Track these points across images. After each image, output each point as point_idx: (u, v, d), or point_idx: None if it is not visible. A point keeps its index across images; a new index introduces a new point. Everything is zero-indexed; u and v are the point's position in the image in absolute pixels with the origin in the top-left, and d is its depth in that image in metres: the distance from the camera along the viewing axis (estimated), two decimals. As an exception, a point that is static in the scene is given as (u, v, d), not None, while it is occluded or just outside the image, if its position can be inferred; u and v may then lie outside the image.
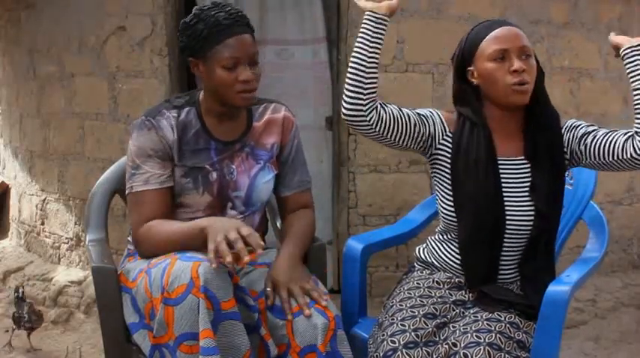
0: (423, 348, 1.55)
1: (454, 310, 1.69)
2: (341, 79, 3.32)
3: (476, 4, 3.35)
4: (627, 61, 1.71)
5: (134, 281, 1.70)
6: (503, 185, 1.72)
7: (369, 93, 1.69)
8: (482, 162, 1.70)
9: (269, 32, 3.53)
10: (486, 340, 1.50)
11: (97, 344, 3.06)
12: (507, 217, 1.69)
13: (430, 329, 1.60)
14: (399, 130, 1.73)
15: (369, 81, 1.69)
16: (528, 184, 1.71)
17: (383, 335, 1.61)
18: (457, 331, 1.57)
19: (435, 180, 1.82)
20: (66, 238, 3.90)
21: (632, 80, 1.70)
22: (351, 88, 1.70)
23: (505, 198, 1.70)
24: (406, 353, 1.53)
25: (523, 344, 1.57)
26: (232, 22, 1.70)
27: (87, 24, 3.65)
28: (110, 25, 3.55)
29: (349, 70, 1.72)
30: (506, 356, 1.50)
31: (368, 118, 1.69)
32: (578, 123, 1.78)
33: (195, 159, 1.79)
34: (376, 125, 1.70)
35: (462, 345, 1.50)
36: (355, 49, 1.72)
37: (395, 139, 1.73)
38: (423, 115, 1.77)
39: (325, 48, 3.47)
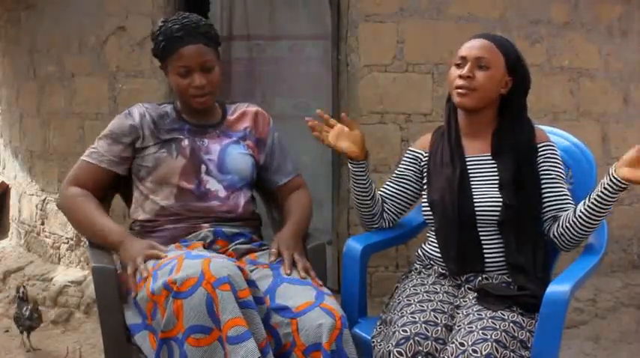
0: (433, 343, 1.58)
1: (458, 313, 1.72)
2: (341, 78, 3.33)
3: (476, 4, 3.35)
4: (613, 190, 1.67)
5: (140, 283, 1.70)
6: (471, 177, 1.86)
7: (378, 217, 2.03)
8: (448, 159, 1.89)
9: (280, 28, 3.57)
10: (493, 337, 1.53)
11: (97, 344, 3.06)
12: (476, 205, 1.80)
13: (440, 325, 1.63)
14: (405, 206, 2.05)
15: (374, 208, 2.00)
16: (496, 177, 1.84)
17: (394, 327, 1.64)
18: (462, 330, 1.59)
19: (422, 189, 1.99)
20: (66, 238, 3.90)
21: (599, 202, 1.70)
22: (365, 219, 2.03)
23: (473, 189, 1.83)
24: (418, 341, 1.57)
25: (525, 344, 1.59)
26: (184, 34, 1.90)
27: (87, 24, 3.66)
28: (110, 25, 3.55)
29: (356, 204, 2.03)
30: (511, 354, 1.53)
31: (380, 226, 2.07)
32: (549, 161, 1.85)
33: (170, 135, 1.97)
34: (389, 224, 2.07)
35: (470, 343, 1.52)
36: (352, 190, 2.01)
37: (409, 208, 2.07)
38: (405, 169, 2.02)
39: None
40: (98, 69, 3.63)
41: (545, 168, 1.84)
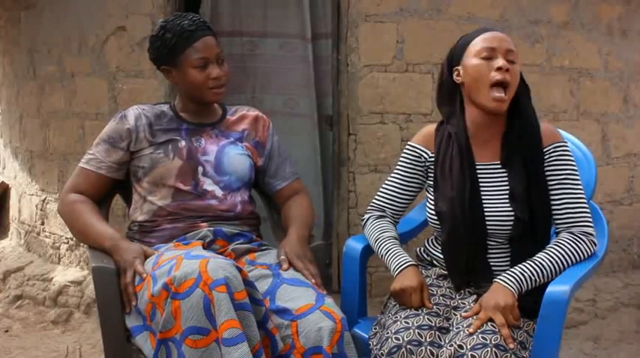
0: (428, 347, 1.56)
1: (455, 314, 1.70)
2: (341, 78, 3.33)
3: (476, 4, 3.35)
4: None
5: (139, 285, 1.71)
6: (482, 188, 1.76)
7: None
8: (458, 166, 1.76)
9: (272, 26, 3.59)
10: (492, 341, 1.51)
11: (97, 344, 3.07)
12: (487, 219, 1.72)
13: (434, 328, 1.61)
14: (408, 203, 1.95)
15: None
16: (507, 188, 1.74)
17: (387, 333, 1.62)
18: (461, 332, 1.58)
19: (426, 190, 1.91)
20: (66, 238, 3.90)
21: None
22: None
23: (484, 201, 1.74)
24: (410, 349, 1.55)
25: (524, 345, 1.59)
26: (196, 27, 1.92)
27: (87, 24, 3.66)
28: (110, 25, 3.55)
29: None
30: (512, 357, 1.51)
31: None
32: (558, 162, 1.73)
33: (166, 136, 1.96)
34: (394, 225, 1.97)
35: (469, 347, 1.51)
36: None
37: (410, 204, 1.97)
38: (408, 166, 1.90)
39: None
40: (98, 69, 3.63)
41: (554, 170, 1.73)
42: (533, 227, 1.72)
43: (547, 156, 1.74)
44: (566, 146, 1.76)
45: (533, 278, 1.63)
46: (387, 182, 1.96)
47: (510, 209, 1.71)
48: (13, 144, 4.57)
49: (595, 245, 1.71)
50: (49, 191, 4.03)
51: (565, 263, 1.66)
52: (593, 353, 3.02)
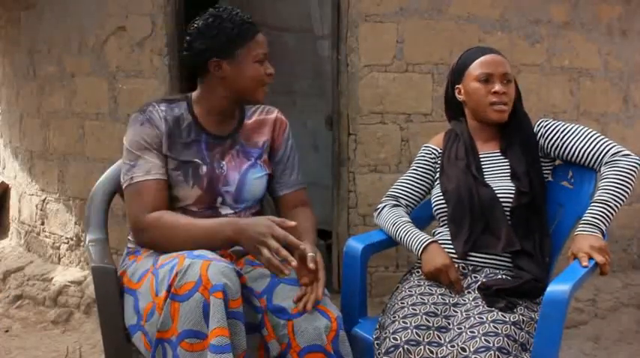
0: (427, 347, 1.56)
1: (455, 312, 1.71)
2: (341, 78, 3.32)
3: (476, 4, 3.35)
4: None
5: (139, 283, 1.70)
6: (484, 170, 1.94)
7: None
8: (463, 153, 1.96)
9: (285, 20, 4.02)
10: (495, 344, 1.52)
11: (97, 344, 3.07)
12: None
13: (432, 328, 1.62)
14: (420, 198, 2.10)
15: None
16: (508, 170, 1.91)
17: (385, 333, 1.64)
18: (464, 334, 1.58)
19: (434, 184, 2.06)
20: (66, 238, 3.90)
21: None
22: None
23: (486, 178, 1.91)
24: (407, 349, 1.55)
25: (525, 347, 1.59)
26: (253, 22, 1.81)
27: (87, 24, 3.66)
28: (110, 25, 3.55)
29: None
30: None
31: None
32: (552, 132, 1.93)
33: (187, 152, 1.82)
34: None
35: (472, 350, 1.51)
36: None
37: (422, 201, 2.12)
38: (421, 162, 2.09)
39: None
40: (98, 69, 3.62)
41: (556, 133, 1.91)
42: (532, 202, 1.85)
43: (542, 134, 1.94)
44: (548, 120, 1.98)
45: (605, 214, 1.78)
46: (402, 177, 2.11)
47: (511, 185, 1.87)
48: (13, 144, 4.56)
49: (630, 154, 1.87)
50: (49, 191, 4.03)
51: (619, 187, 1.80)
52: (593, 353, 3.02)
